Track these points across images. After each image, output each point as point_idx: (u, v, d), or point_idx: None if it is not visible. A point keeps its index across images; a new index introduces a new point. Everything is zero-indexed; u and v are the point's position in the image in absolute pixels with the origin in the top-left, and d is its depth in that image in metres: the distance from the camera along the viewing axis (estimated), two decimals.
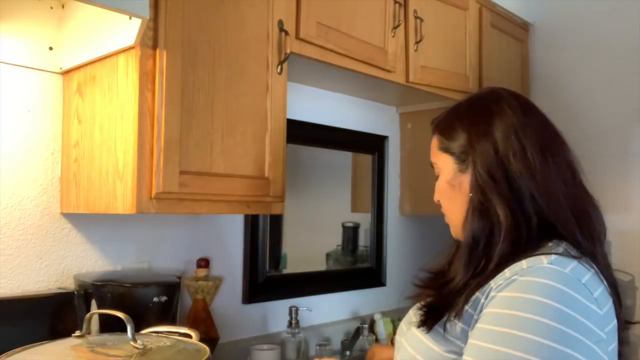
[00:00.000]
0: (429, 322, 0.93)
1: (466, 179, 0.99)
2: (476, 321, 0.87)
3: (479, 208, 0.94)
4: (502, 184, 0.92)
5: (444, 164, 1.03)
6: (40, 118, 1.37)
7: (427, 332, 0.93)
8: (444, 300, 0.94)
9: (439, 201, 1.08)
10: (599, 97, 2.34)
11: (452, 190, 1.01)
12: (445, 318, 0.91)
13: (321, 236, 2.11)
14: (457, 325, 0.89)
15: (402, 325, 1.10)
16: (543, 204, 0.92)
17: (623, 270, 2.17)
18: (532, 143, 0.94)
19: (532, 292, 0.82)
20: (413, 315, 1.07)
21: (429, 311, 0.95)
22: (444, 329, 0.91)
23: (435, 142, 1.06)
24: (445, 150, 1.03)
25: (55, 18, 1.37)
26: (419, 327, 0.95)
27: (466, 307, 0.88)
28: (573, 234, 0.92)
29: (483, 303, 0.87)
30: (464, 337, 0.88)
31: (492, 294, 0.86)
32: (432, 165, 1.09)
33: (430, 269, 1.10)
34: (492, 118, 0.97)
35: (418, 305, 1.03)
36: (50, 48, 1.37)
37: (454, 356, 0.89)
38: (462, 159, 1.00)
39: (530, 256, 0.87)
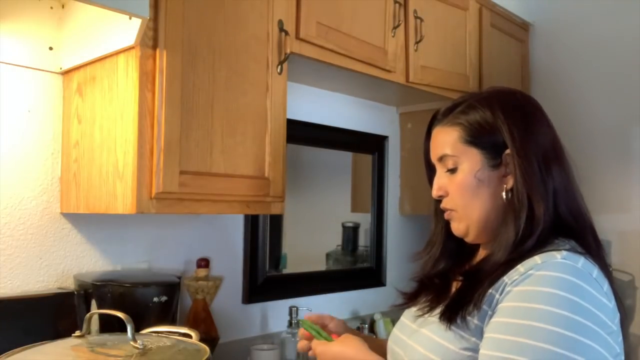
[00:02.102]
0: (451, 316, 0.93)
1: (496, 175, 0.97)
2: (490, 317, 0.88)
3: (522, 204, 0.93)
4: (540, 180, 0.94)
5: (468, 157, 0.99)
6: (40, 118, 1.37)
7: (448, 329, 0.92)
8: (463, 296, 0.94)
9: (442, 196, 1.03)
10: (599, 97, 2.34)
11: (478, 185, 0.98)
12: (461, 314, 0.91)
13: (321, 236, 2.11)
14: (472, 322, 0.90)
15: (397, 332, 1.08)
16: (563, 201, 0.95)
17: (623, 270, 2.17)
18: (556, 143, 0.99)
19: (547, 285, 0.83)
20: (407, 320, 1.07)
21: (450, 306, 0.94)
22: (462, 324, 0.91)
23: (454, 134, 1.00)
24: (473, 143, 0.98)
25: (55, 18, 1.37)
26: (440, 319, 0.94)
27: (482, 303, 0.89)
28: (585, 232, 0.96)
29: (497, 299, 0.88)
30: (479, 333, 0.89)
31: (507, 289, 0.87)
32: (438, 160, 1.03)
33: (419, 278, 1.10)
34: (531, 116, 0.99)
35: (414, 312, 1.03)
36: (50, 48, 1.37)
37: (469, 353, 0.89)
38: (496, 154, 0.97)
39: (542, 252, 0.89)
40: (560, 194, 0.95)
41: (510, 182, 0.96)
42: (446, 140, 1.02)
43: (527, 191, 0.93)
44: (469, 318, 0.90)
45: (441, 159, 1.03)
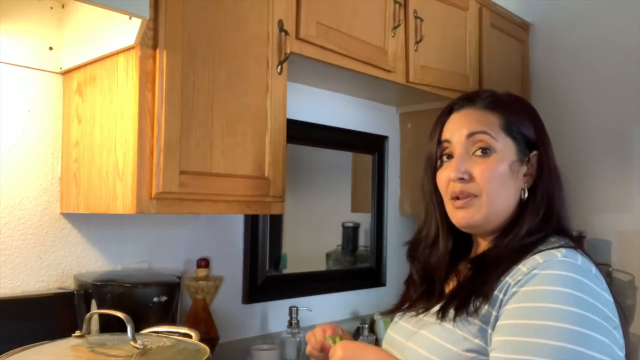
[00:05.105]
0: (452, 312, 0.93)
1: (522, 170, 1.00)
2: (496, 318, 0.88)
3: (541, 200, 0.98)
4: (559, 183, 1.00)
5: (504, 146, 0.98)
6: (40, 118, 1.37)
7: (452, 326, 0.92)
8: (467, 294, 0.94)
9: (464, 180, 0.97)
10: (599, 97, 2.33)
11: (510, 176, 0.98)
12: (464, 315, 0.91)
13: (321, 236, 2.11)
14: (475, 324, 0.90)
15: (391, 334, 1.07)
16: (558, 200, 1.00)
17: (623, 270, 2.17)
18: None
19: (554, 283, 0.84)
20: (402, 322, 1.07)
21: (451, 302, 0.95)
22: (465, 322, 0.91)
23: (493, 118, 0.99)
24: (510, 133, 0.99)
25: (55, 18, 1.37)
26: (442, 317, 0.94)
27: (485, 305, 0.89)
28: (569, 229, 0.99)
29: (502, 299, 0.88)
30: (482, 335, 0.89)
31: (512, 289, 0.87)
32: (468, 136, 0.99)
33: (412, 277, 1.13)
34: (537, 120, 1.05)
35: (409, 313, 1.04)
36: (50, 48, 1.37)
37: (472, 355, 0.89)
38: (525, 149, 1.01)
39: (540, 251, 0.90)
40: (553, 192, 1.01)
41: (530, 182, 1.00)
42: (485, 121, 1.00)
43: (550, 192, 0.98)
44: (472, 317, 0.90)
45: (473, 135, 0.98)
